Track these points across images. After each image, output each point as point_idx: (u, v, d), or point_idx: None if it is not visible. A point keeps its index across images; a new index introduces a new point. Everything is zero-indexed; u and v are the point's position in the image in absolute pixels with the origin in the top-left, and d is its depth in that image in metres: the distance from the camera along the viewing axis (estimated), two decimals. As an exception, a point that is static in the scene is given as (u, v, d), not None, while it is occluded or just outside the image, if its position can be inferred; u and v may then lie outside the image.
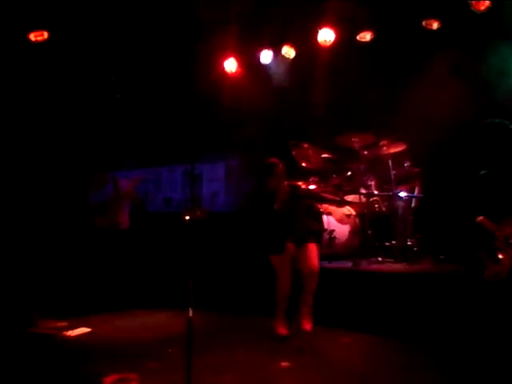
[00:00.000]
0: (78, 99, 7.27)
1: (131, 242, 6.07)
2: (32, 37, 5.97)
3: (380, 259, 5.57)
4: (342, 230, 5.86)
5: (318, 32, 6.28)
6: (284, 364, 3.85)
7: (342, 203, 6.04)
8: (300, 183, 6.24)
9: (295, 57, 6.70)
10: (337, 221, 5.90)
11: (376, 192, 5.89)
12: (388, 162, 5.80)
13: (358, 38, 6.22)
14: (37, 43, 5.96)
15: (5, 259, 5.87)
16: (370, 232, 5.73)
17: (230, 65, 6.96)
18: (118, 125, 7.85)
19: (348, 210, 6.04)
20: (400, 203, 5.81)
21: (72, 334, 4.76)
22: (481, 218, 3.72)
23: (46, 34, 5.98)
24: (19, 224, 6.35)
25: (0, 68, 6.08)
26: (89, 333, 4.83)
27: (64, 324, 5.01)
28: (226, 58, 6.93)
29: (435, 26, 5.72)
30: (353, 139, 5.81)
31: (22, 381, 3.54)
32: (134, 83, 7.59)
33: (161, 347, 4.29)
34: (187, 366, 3.02)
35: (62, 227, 6.50)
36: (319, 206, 5.88)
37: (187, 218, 3.66)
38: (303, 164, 6.26)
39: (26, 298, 5.42)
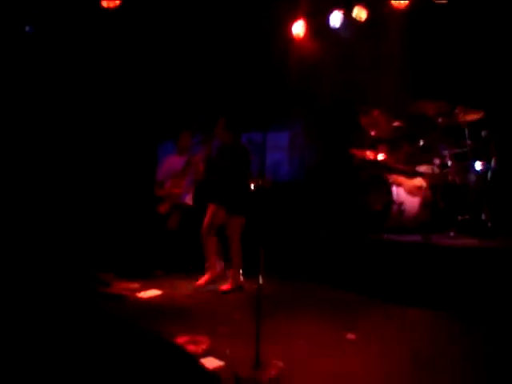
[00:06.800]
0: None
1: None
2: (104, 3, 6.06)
3: (452, 234, 5.36)
4: (412, 202, 5.66)
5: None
6: (350, 336, 3.80)
7: (413, 174, 5.83)
8: (368, 152, 6.10)
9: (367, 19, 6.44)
10: (407, 192, 5.70)
11: (450, 163, 5.61)
12: (464, 131, 5.51)
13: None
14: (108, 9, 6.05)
15: (82, 223, 6.16)
16: (442, 205, 5.50)
17: (298, 28, 6.76)
18: (190, 90, 7.78)
19: (419, 181, 5.81)
20: (475, 176, 5.51)
21: (144, 296, 4.93)
22: None
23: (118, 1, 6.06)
24: (94, 189, 6.60)
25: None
26: (159, 295, 4.97)
27: (136, 286, 5.21)
28: (294, 20, 6.72)
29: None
30: (426, 106, 5.54)
31: (97, 337, 3.70)
32: (200, 47, 7.48)
33: (229, 312, 4.37)
34: (256, 330, 3.07)
35: (133, 193, 6.70)
36: (388, 176, 5.71)
37: (252, 186, 3.65)
38: (372, 132, 6.07)
39: (101, 259, 5.67)
